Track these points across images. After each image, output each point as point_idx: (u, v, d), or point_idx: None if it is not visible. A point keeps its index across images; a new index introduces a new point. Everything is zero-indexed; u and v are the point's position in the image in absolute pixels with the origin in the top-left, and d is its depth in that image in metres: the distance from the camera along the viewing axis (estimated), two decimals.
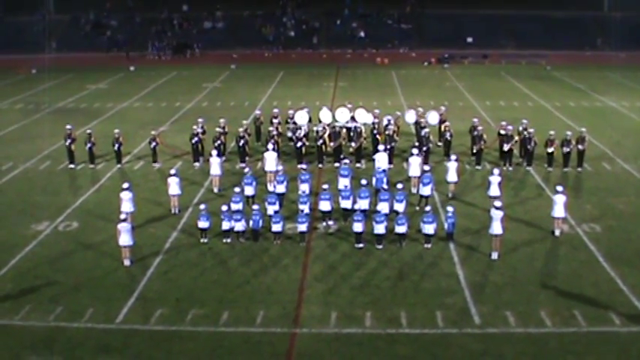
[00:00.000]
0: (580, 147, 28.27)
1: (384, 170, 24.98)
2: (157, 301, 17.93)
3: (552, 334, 16.28)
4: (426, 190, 23.85)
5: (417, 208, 23.41)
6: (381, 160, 25.99)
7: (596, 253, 20.62)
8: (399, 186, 22.89)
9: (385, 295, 18.17)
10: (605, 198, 25.27)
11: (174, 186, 23.88)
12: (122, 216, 20.58)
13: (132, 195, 22.57)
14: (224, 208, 21.53)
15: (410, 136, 32.15)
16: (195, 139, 29.43)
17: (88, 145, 29.44)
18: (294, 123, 30.31)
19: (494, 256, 20.15)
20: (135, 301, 17.97)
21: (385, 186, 23.62)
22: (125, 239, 19.87)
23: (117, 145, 29.41)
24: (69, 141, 29.51)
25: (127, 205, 22.30)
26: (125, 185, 22.80)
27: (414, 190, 25.12)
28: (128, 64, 60.80)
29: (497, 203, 20.51)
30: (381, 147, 27.06)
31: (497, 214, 20.09)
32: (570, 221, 22.81)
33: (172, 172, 24.44)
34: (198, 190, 26.37)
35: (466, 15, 71.26)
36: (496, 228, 20.08)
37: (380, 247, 20.86)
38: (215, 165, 25.95)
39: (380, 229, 20.74)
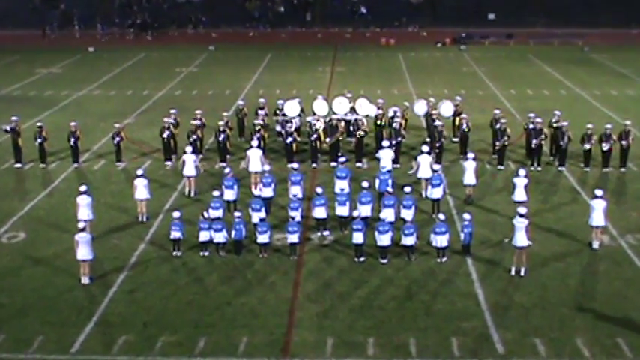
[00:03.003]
0: (623, 143, 28.40)
1: (389, 171, 25.09)
2: (120, 326, 17.95)
3: None
4: (436, 193, 23.93)
5: (433, 215, 23.41)
6: (386, 158, 26.11)
7: None
8: (407, 189, 22.95)
9: (390, 318, 18.24)
10: None
11: (141, 189, 23.94)
12: (80, 225, 20.59)
13: (91, 200, 22.61)
14: (205, 215, 21.62)
15: (420, 131, 32.30)
16: (167, 133, 29.48)
17: (39, 140, 29.45)
18: (284, 115, 30.39)
19: (520, 272, 20.24)
20: (94, 326, 17.99)
21: (390, 189, 23.68)
22: (83, 252, 19.90)
23: (73, 141, 29.39)
24: (15, 136, 29.52)
25: (84, 211, 22.34)
26: (83, 188, 22.85)
27: (423, 195, 25.20)
28: (47, 45, 60.68)
29: (522, 210, 20.58)
30: (385, 143, 27.17)
31: (521, 223, 20.16)
32: (612, 231, 22.94)
33: (139, 172, 24.49)
34: (170, 194, 26.44)
35: None
36: (520, 239, 20.15)
37: (384, 261, 20.94)
38: (190, 164, 26.01)
39: (384, 240, 20.81)
